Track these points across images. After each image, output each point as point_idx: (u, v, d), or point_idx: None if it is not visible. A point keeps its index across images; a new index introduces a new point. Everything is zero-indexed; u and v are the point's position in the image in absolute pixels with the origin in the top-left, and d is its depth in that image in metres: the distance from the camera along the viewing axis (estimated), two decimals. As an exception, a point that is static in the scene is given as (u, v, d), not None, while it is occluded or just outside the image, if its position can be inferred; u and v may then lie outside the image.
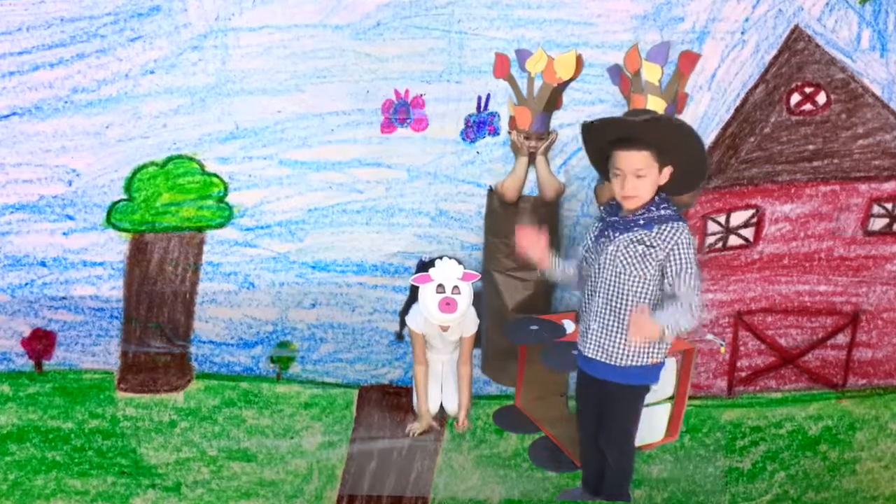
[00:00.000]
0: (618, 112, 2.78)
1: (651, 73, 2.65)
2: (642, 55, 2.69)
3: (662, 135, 2.12)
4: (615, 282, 2.19)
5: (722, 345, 2.97)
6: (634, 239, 2.14)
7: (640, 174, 2.09)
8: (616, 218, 2.22)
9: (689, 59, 2.72)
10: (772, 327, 3.13)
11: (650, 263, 2.12)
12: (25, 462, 2.88)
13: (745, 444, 3.06)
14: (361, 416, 3.06)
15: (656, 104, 2.64)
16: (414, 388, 3.00)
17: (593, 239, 2.28)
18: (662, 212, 2.13)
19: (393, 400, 3.13)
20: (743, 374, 3.18)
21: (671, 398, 2.82)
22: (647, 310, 2.11)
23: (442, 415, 3.01)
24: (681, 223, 2.13)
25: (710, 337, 3.01)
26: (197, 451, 2.93)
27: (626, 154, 2.10)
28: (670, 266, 2.11)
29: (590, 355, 2.28)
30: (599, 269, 2.24)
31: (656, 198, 2.15)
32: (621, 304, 2.19)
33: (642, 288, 2.16)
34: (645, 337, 2.07)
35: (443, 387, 2.98)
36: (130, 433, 2.96)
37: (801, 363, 3.18)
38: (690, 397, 3.07)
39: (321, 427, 3.03)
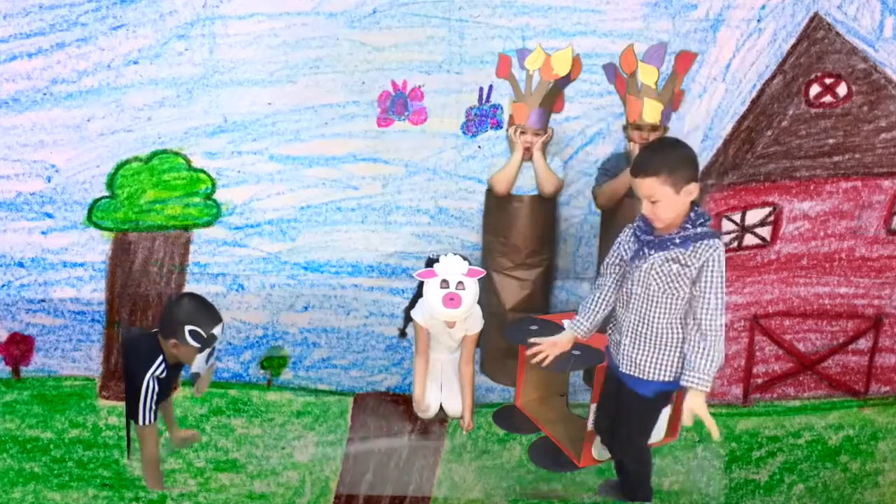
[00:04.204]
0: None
1: (647, 75, 2.64)
2: (638, 56, 2.68)
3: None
4: (647, 299, 2.18)
5: None
6: (669, 258, 2.11)
7: (651, 199, 2.08)
8: (651, 237, 2.19)
9: (685, 59, 2.71)
10: (790, 331, 3.09)
11: (683, 282, 2.11)
12: (2, 474, 2.83)
13: (761, 455, 2.99)
14: (357, 425, 3.00)
15: (652, 107, 2.64)
16: (413, 385, 2.95)
17: (629, 257, 2.27)
18: (699, 229, 2.09)
19: (390, 408, 3.08)
20: (759, 381, 3.13)
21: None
22: (698, 398, 2.13)
23: (442, 416, 2.97)
24: (716, 241, 2.09)
25: None
26: (183, 462, 2.87)
27: (636, 182, 2.11)
28: (698, 285, 2.10)
29: (623, 370, 2.30)
30: (632, 285, 2.23)
31: (692, 214, 2.10)
32: (653, 321, 2.19)
33: (674, 306, 2.15)
34: (704, 411, 2.13)
35: (442, 387, 2.95)
36: (113, 443, 2.88)
37: (821, 369, 3.13)
38: (704, 405, 3.05)
39: (314, 437, 2.97)
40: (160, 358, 2.42)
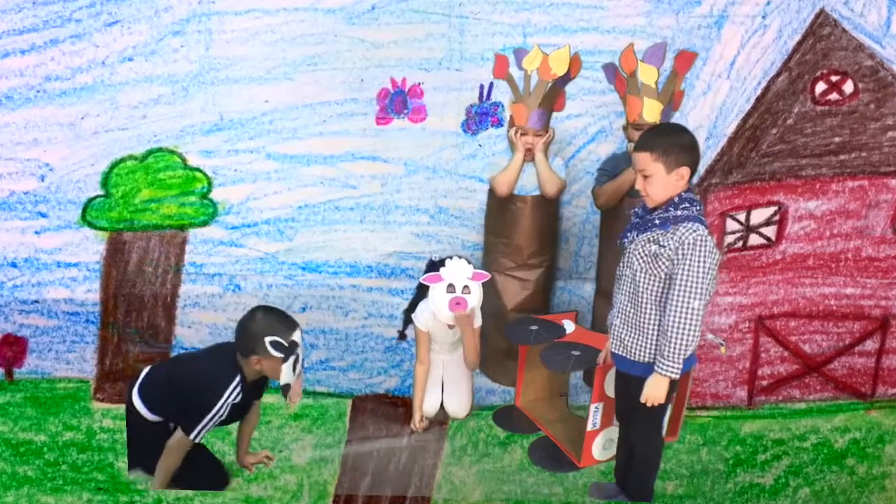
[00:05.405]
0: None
1: (647, 75, 2.63)
2: (638, 55, 2.66)
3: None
4: (633, 280, 2.26)
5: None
6: (651, 238, 2.19)
7: (644, 174, 2.18)
8: (638, 219, 2.29)
9: (684, 59, 2.70)
10: (795, 333, 3.07)
11: (662, 263, 2.18)
12: (-5, 477, 2.78)
13: (766, 459, 2.96)
14: (355, 428, 2.98)
15: (652, 107, 2.63)
16: (413, 392, 2.95)
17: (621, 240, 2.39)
18: (680, 212, 2.16)
19: (389, 410, 3.06)
20: (764, 383, 3.11)
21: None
22: (657, 381, 2.23)
23: (443, 417, 2.97)
24: (695, 224, 2.15)
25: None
26: (179, 465, 2.82)
27: (634, 155, 2.22)
28: (674, 268, 2.17)
29: (613, 350, 2.38)
30: (623, 267, 2.32)
31: (676, 198, 2.18)
32: (639, 302, 2.26)
33: (656, 287, 2.21)
34: (660, 398, 2.23)
35: (444, 387, 2.94)
36: (108, 446, 2.85)
37: (827, 371, 3.11)
38: (708, 408, 3.07)
39: (312, 440, 2.94)
40: (237, 379, 2.34)
